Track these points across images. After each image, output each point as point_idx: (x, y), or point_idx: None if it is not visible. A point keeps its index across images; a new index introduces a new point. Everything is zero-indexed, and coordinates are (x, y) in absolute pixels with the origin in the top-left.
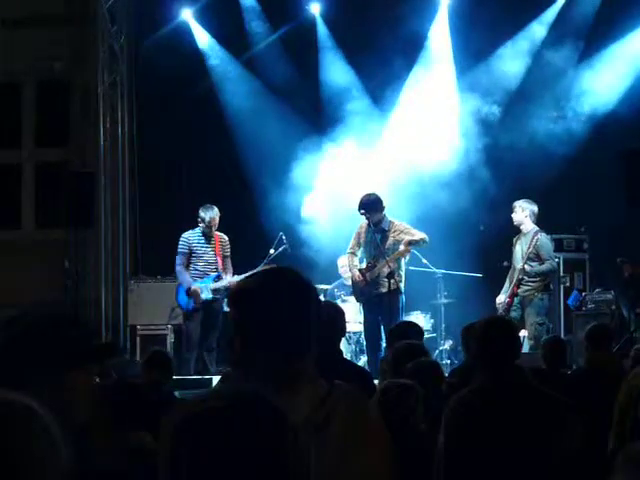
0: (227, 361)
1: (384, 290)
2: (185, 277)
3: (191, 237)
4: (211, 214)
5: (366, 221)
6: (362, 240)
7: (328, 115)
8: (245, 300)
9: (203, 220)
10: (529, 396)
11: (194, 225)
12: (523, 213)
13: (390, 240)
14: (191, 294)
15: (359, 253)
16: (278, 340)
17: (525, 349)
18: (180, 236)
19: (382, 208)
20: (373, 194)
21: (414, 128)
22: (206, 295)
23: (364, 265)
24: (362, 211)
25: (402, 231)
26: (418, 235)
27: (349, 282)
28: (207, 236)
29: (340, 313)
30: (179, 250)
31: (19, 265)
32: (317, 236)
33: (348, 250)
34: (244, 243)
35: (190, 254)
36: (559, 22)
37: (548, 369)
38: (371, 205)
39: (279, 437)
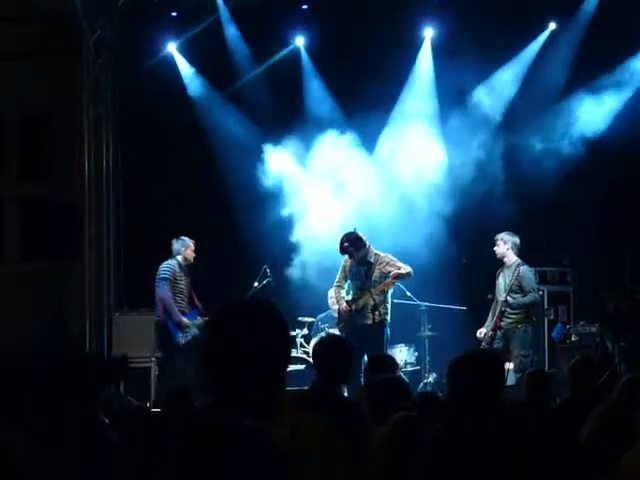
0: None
1: (369, 322)
2: (176, 310)
3: (174, 267)
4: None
5: None
6: (348, 273)
7: (313, 146)
8: (216, 332)
9: (179, 252)
10: (499, 431)
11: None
12: (505, 246)
13: (376, 272)
14: (183, 326)
15: (345, 286)
16: (248, 372)
17: (512, 382)
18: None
19: (363, 244)
20: (352, 233)
21: (399, 160)
22: (194, 331)
23: (351, 297)
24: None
25: (388, 263)
26: (404, 268)
27: (336, 314)
28: (184, 269)
29: (345, 350)
30: (165, 276)
31: (3, 298)
32: (305, 267)
33: (335, 283)
34: (230, 275)
35: (172, 283)
36: (547, 51)
37: (531, 402)
38: (351, 244)
39: (280, 471)
